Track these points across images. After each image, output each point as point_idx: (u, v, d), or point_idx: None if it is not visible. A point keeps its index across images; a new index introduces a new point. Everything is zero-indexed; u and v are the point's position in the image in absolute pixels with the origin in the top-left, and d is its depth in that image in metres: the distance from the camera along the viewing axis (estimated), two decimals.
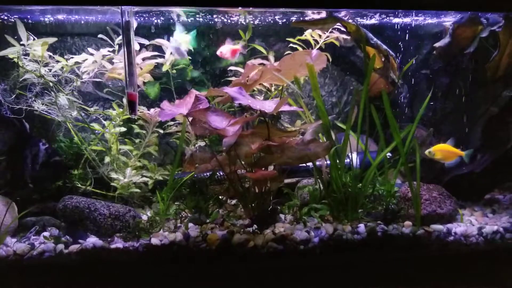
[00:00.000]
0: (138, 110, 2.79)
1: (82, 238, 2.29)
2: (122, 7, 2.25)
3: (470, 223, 2.57)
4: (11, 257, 2.19)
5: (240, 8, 2.60)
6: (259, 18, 2.94)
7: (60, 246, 2.23)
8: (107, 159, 2.75)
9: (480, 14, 2.66)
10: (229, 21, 2.96)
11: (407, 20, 3.01)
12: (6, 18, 2.60)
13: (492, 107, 2.77)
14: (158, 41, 2.82)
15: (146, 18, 2.83)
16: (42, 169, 2.18)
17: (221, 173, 2.70)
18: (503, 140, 2.73)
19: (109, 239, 2.29)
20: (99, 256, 2.23)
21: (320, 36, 2.91)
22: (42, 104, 2.58)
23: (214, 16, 2.84)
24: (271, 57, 3.00)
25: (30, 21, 2.68)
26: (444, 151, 2.63)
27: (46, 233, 2.36)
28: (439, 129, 2.97)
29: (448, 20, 2.86)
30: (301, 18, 2.79)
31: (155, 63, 2.81)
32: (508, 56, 2.65)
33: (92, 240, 2.26)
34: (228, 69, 3.03)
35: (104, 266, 2.25)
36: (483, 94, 2.82)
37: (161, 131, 2.91)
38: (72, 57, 2.65)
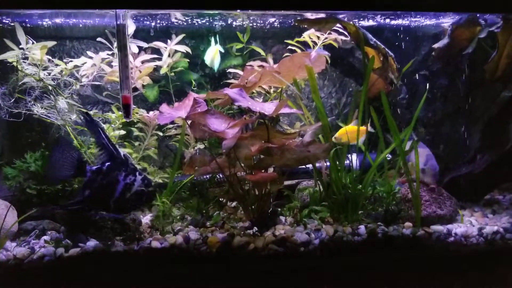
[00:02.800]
0: (137, 113, 2.79)
1: (82, 241, 2.29)
2: (117, 10, 2.26)
3: (470, 224, 2.57)
4: (11, 262, 2.18)
5: (238, 10, 2.61)
6: (257, 20, 2.94)
7: (60, 250, 2.22)
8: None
9: (478, 15, 2.67)
10: (227, 23, 2.96)
11: (406, 21, 3.02)
12: (5, 22, 2.60)
13: (491, 107, 2.77)
14: (156, 43, 2.82)
15: (146, 21, 2.83)
16: (131, 197, 2.24)
17: (221, 176, 2.70)
18: (503, 141, 2.73)
19: (109, 243, 2.28)
20: (99, 259, 2.22)
21: (318, 37, 2.92)
22: (42, 108, 2.58)
23: (212, 18, 2.85)
24: (270, 59, 3.00)
25: (28, 25, 2.68)
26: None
27: (46, 237, 2.35)
28: (439, 129, 2.97)
29: (447, 21, 2.87)
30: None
31: (155, 65, 2.82)
32: (506, 57, 2.65)
33: (92, 244, 2.26)
34: (227, 71, 3.03)
35: (104, 270, 2.24)
36: (482, 95, 2.82)
37: (161, 134, 2.91)
38: (71, 61, 2.65)
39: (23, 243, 2.32)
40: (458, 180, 2.86)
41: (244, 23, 2.94)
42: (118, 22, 2.27)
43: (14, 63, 2.49)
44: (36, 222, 2.46)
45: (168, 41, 2.84)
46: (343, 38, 2.92)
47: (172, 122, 2.83)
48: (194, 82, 3.03)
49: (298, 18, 2.68)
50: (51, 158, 2.25)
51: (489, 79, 2.73)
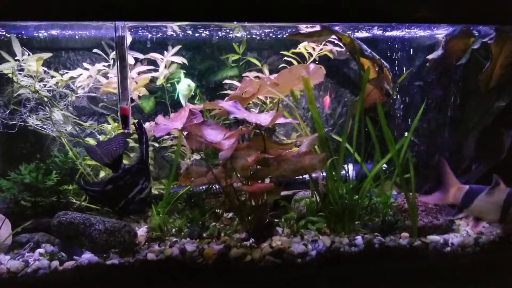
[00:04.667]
0: (133, 124, 2.79)
1: (77, 254, 2.26)
2: (116, 22, 2.27)
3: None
4: (4, 275, 2.14)
5: (234, 22, 2.62)
6: (253, 32, 2.96)
7: (55, 263, 2.19)
8: (102, 174, 2.73)
9: (471, 26, 2.70)
10: (223, 34, 2.98)
11: (400, 33, 3.05)
12: (0, 33, 2.60)
13: (485, 117, 2.79)
14: (153, 55, 2.83)
15: (142, 33, 2.84)
16: (138, 201, 2.35)
17: (217, 187, 2.69)
18: (497, 150, 2.75)
19: (104, 255, 2.26)
20: (94, 272, 2.20)
21: (314, 49, 2.94)
22: (37, 119, 2.57)
23: (208, 29, 2.86)
24: (266, 70, 3.02)
25: (24, 36, 2.68)
26: None
27: (41, 250, 2.33)
28: (434, 139, 2.99)
29: (441, 32, 2.90)
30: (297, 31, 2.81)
31: (151, 77, 2.82)
32: (500, 68, 2.68)
33: (87, 257, 2.23)
34: (224, 82, 3.04)
35: (99, 283, 2.22)
36: (476, 105, 2.84)
37: (156, 145, 2.91)
38: (67, 72, 2.65)
39: (17, 256, 2.29)
40: None
41: (240, 34, 2.96)
42: (117, 34, 2.28)
43: (10, 75, 2.49)
44: (31, 234, 2.44)
45: (165, 52, 2.85)
46: (338, 49, 2.95)
47: (168, 133, 2.83)
48: (199, 95, 3.04)
49: (291, 32, 2.71)
50: (106, 141, 2.38)
51: (483, 89, 2.76)
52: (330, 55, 2.99)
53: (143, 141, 2.37)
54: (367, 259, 2.37)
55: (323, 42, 2.88)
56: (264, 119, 2.34)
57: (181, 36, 2.91)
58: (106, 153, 2.30)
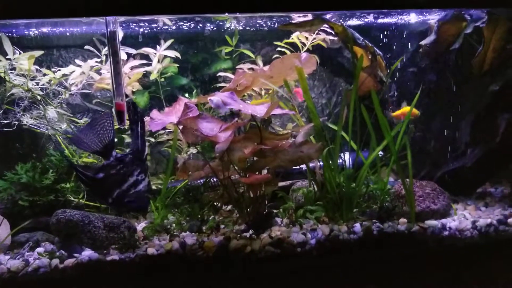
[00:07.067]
0: (127, 120, 2.78)
1: (77, 252, 2.26)
2: (107, 17, 2.25)
3: (464, 217, 2.59)
4: (5, 275, 2.14)
5: (226, 14, 2.61)
6: (245, 23, 2.95)
7: (55, 261, 2.19)
8: None
9: (463, 11, 2.70)
10: (216, 27, 2.96)
11: (392, 19, 3.05)
12: None
13: (479, 101, 2.80)
14: (145, 49, 2.81)
15: (134, 28, 2.82)
16: (133, 194, 2.24)
17: (215, 180, 2.69)
18: (492, 134, 2.76)
19: (104, 252, 2.26)
20: (95, 269, 2.20)
21: (307, 38, 2.93)
22: (31, 118, 2.56)
23: (200, 22, 2.85)
24: (259, 61, 3.01)
25: (15, 35, 2.65)
26: None
27: (40, 249, 2.32)
28: (429, 125, 3.00)
29: (433, 18, 2.90)
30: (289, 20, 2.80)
31: (144, 71, 2.81)
32: (492, 51, 2.68)
33: (88, 254, 2.23)
34: (218, 75, 3.03)
35: (101, 279, 2.22)
36: (470, 90, 2.85)
37: (152, 140, 2.90)
38: (59, 70, 2.63)
39: (17, 256, 2.28)
40: (450, 174, 2.89)
41: (232, 26, 2.94)
42: (109, 29, 2.26)
43: (2, 74, 2.47)
44: (30, 234, 2.43)
45: (157, 46, 2.83)
46: (332, 38, 2.94)
47: (164, 128, 2.82)
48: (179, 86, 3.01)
49: (282, 23, 2.69)
50: (89, 125, 2.22)
51: (476, 73, 2.77)
52: (323, 44, 2.98)
53: (138, 129, 2.23)
54: (366, 246, 2.39)
55: (316, 31, 2.88)
56: (260, 110, 2.34)
57: (173, 29, 2.89)
58: (93, 139, 2.15)
